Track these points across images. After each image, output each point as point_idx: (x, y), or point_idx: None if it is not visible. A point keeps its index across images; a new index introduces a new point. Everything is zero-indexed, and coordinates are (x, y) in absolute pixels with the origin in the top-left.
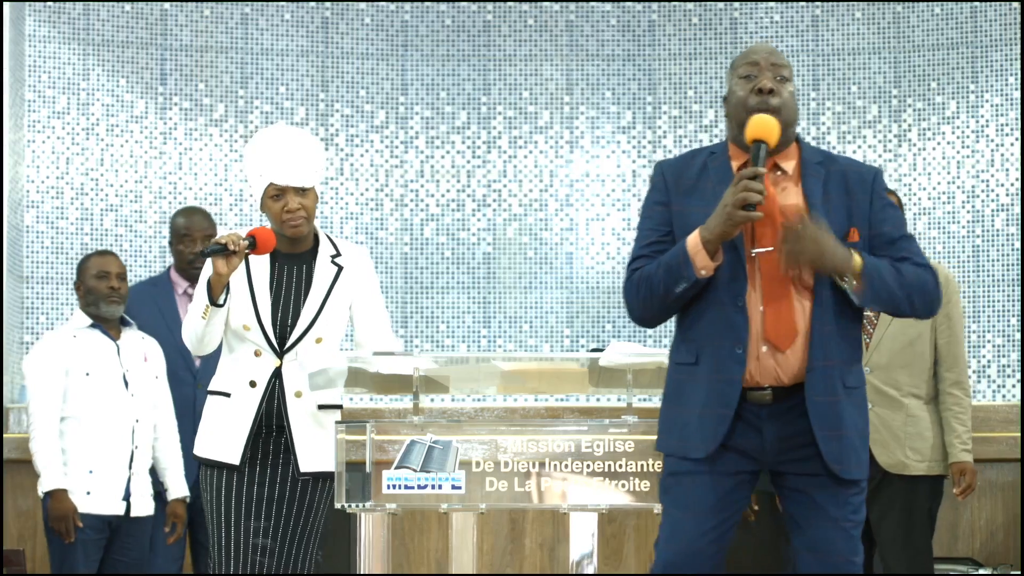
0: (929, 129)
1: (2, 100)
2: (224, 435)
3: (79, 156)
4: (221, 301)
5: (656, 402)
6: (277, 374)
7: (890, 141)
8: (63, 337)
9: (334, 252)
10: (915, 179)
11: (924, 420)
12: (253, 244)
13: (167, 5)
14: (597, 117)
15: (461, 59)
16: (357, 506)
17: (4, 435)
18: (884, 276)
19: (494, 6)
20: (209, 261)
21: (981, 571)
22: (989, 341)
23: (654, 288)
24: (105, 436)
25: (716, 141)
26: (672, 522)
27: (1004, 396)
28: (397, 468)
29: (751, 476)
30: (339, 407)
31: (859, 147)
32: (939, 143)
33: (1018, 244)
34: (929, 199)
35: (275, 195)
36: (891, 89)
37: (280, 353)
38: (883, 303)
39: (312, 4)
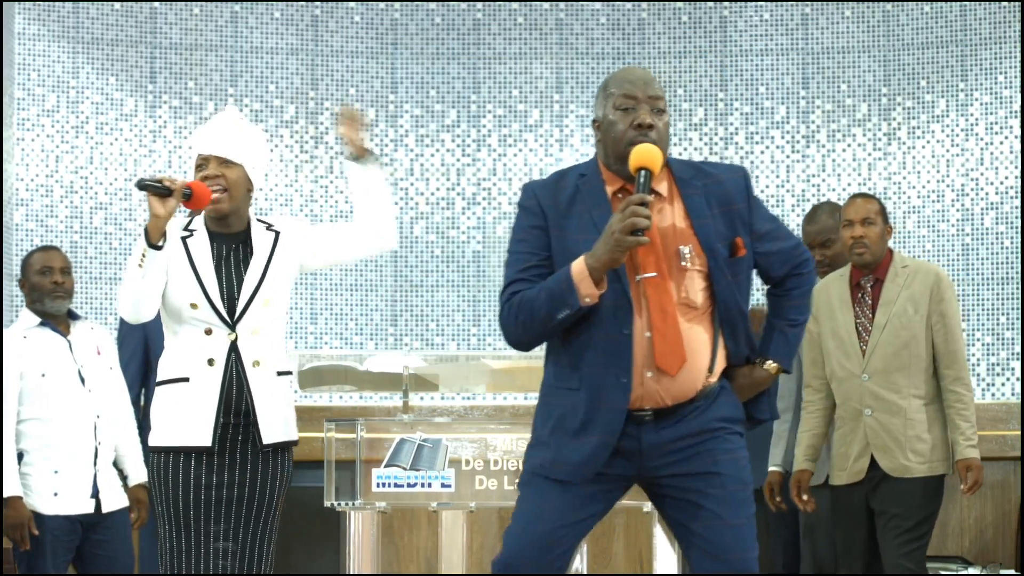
0: (919, 127)
1: None
2: (189, 419)
3: (68, 154)
4: (160, 244)
5: None
6: (233, 347)
7: (879, 139)
8: (13, 339)
9: (267, 224)
10: (904, 177)
11: (922, 422)
12: (189, 194)
13: (156, 3)
14: (587, 115)
15: (451, 57)
16: (346, 504)
17: None
18: (792, 347)
19: (484, 5)
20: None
21: (970, 570)
22: (978, 339)
23: (535, 313)
24: (67, 435)
25: (706, 139)
26: (526, 513)
27: (994, 395)
28: (387, 466)
29: (622, 480)
30: (291, 373)
31: (848, 145)
32: (928, 141)
33: (1007, 242)
34: (919, 197)
35: (200, 164)
36: (880, 87)
37: (232, 326)
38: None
39: (302, 2)
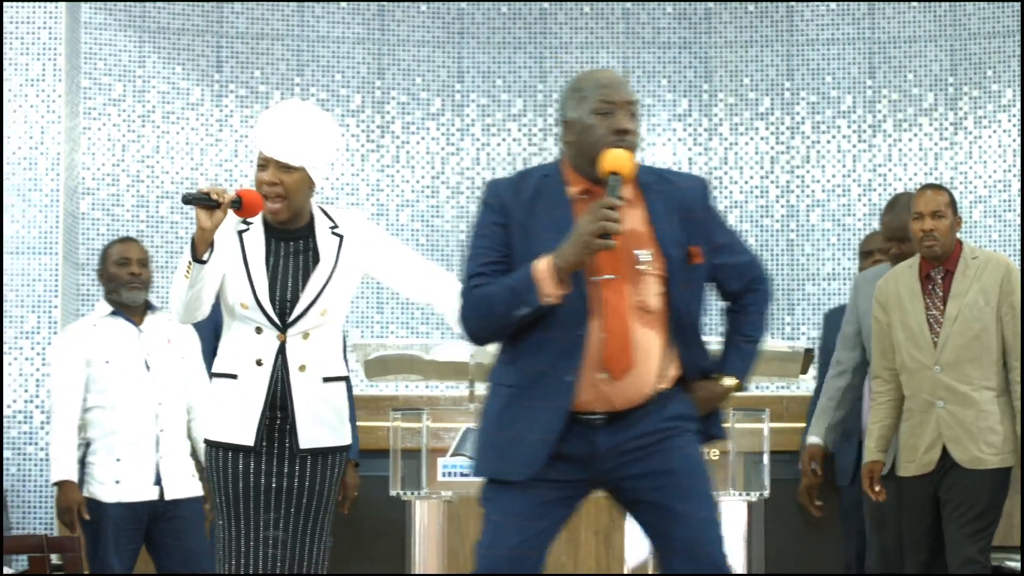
0: (985, 117)
1: (59, 88)
2: (235, 416)
3: (135, 143)
4: (205, 258)
5: None
6: (281, 350)
7: (946, 129)
8: (83, 327)
9: (332, 224)
10: (971, 167)
11: (995, 414)
12: (238, 204)
13: None
14: (653, 105)
15: (517, 47)
16: (412, 494)
17: None
18: (748, 362)
19: None
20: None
21: None
22: None
23: (493, 309)
24: (129, 423)
25: (773, 128)
26: (494, 527)
27: None
28: (452, 455)
29: (581, 484)
30: (345, 379)
31: (915, 135)
32: (995, 131)
33: None
34: (985, 187)
35: (261, 164)
36: (947, 77)
37: (283, 328)
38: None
39: None
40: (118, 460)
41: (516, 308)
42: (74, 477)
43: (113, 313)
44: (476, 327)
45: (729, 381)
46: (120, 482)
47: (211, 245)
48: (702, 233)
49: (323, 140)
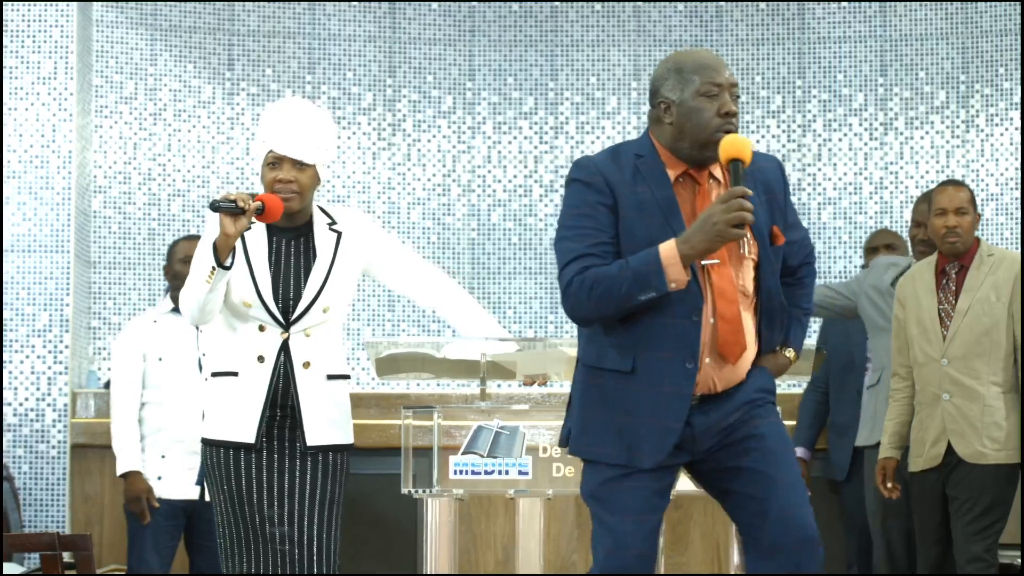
0: (997, 115)
1: (70, 86)
2: (236, 414)
3: (146, 141)
4: (228, 263)
5: None
6: (284, 347)
7: (958, 127)
8: (144, 323)
9: (330, 220)
10: (983, 165)
11: (1000, 409)
12: (261, 209)
13: None
14: None
15: (528, 44)
16: (424, 491)
17: (72, 420)
18: (804, 334)
19: None
20: (217, 221)
21: None
22: None
23: (613, 291)
24: (176, 420)
25: (784, 126)
26: (611, 530)
27: None
28: (464, 453)
29: (676, 469)
30: (347, 377)
31: (926, 133)
32: (1007, 129)
33: None
34: (996, 185)
35: (272, 163)
36: (959, 75)
37: (286, 326)
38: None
39: None
40: (163, 457)
41: (640, 292)
42: (140, 467)
43: (173, 310)
44: (588, 309)
45: (790, 353)
46: (162, 478)
47: (232, 250)
48: (781, 213)
49: (331, 137)
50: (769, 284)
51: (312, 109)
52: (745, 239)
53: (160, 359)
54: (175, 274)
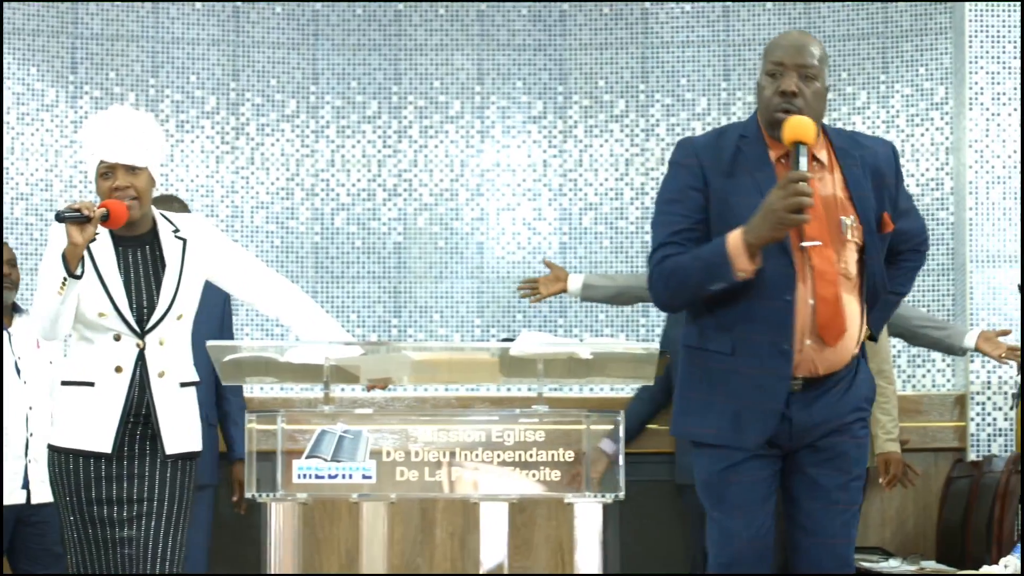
0: (840, 120)
1: None
2: (91, 424)
3: None
4: (79, 272)
5: (567, 391)
6: (141, 357)
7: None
8: None
9: (174, 228)
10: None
11: None
12: (107, 215)
13: None
14: (508, 107)
15: (372, 48)
16: (267, 496)
17: None
18: (887, 317)
19: None
20: (63, 231)
21: (891, 561)
22: None
23: (686, 281)
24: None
25: (627, 131)
26: (725, 527)
27: (914, 386)
28: (307, 457)
29: (780, 458)
30: (198, 383)
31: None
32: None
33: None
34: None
35: (104, 173)
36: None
37: (141, 335)
38: None
39: None
40: None
41: (710, 282)
42: None
43: None
44: (667, 297)
45: (865, 331)
46: None
47: (82, 259)
48: (891, 198)
49: (158, 138)
50: (873, 268)
51: (135, 114)
52: (849, 224)
53: None
54: None
